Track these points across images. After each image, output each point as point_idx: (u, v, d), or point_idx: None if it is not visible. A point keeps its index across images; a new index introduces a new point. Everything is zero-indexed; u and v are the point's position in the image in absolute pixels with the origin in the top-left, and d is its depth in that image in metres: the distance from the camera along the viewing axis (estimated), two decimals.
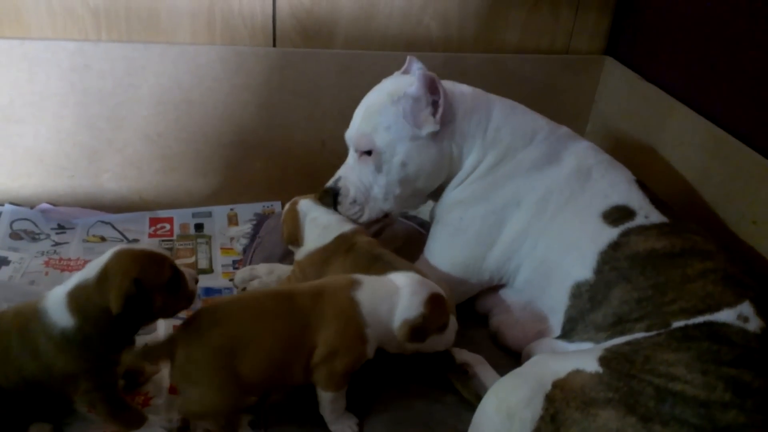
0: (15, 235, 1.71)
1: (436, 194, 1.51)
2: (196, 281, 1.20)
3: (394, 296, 1.17)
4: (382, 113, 1.40)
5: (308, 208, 1.44)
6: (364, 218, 1.45)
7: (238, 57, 1.82)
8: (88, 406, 1.16)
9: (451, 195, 1.47)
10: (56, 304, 1.10)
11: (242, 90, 1.86)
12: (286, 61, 1.85)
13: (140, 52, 1.77)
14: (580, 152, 1.44)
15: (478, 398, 1.18)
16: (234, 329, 1.12)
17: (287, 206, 1.47)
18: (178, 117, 1.85)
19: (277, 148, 1.95)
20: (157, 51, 1.78)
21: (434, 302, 1.17)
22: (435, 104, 1.39)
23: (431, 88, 1.39)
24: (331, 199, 1.45)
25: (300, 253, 1.43)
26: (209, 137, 1.90)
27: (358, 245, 1.35)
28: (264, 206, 1.94)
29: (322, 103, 1.92)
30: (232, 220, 1.90)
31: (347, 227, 1.40)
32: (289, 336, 1.13)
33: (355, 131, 1.45)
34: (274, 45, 1.85)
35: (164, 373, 1.34)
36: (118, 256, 1.11)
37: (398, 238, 1.71)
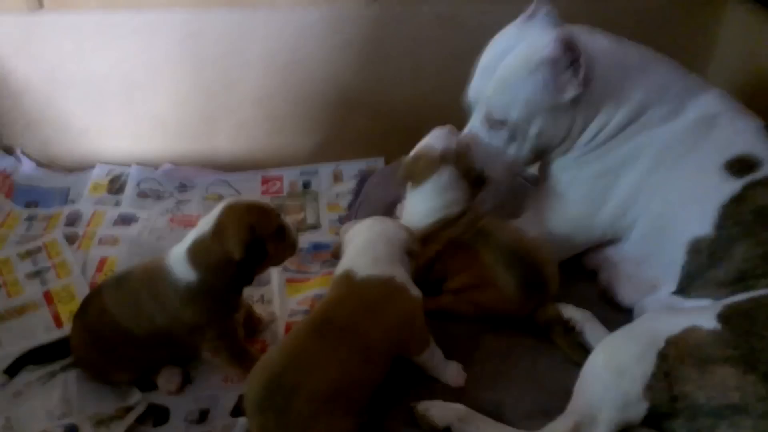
0: (142, 195, 1.85)
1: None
2: (297, 230, 1.28)
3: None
4: (520, 86, 1.30)
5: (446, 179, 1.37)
6: (501, 172, 1.41)
7: (339, 16, 1.83)
8: (213, 353, 1.26)
9: (569, 156, 1.40)
10: (178, 261, 1.19)
11: (343, 49, 1.88)
12: (385, 18, 1.84)
13: (248, 18, 1.82)
14: (708, 100, 1.34)
15: (581, 355, 1.17)
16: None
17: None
18: (284, 79, 1.91)
19: (379, 105, 1.97)
20: (263, 15, 1.82)
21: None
22: (575, 64, 1.28)
23: (570, 47, 1.27)
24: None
25: (404, 218, 1.41)
26: (314, 97, 1.94)
27: (458, 223, 1.34)
28: (368, 163, 1.97)
29: (423, 59, 1.90)
30: (338, 177, 1.95)
31: (454, 210, 1.36)
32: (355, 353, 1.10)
33: (486, 100, 1.36)
34: (374, 1, 1.85)
35: (280, 323, 1.42)
36: (231, 209, 1.18)
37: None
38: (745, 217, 1.19)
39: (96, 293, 1.27)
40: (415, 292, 1.17)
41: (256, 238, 1.15)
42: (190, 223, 1.70)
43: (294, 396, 1.03)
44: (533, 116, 1.33)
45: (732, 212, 1.21)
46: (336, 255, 1.25)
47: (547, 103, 1.31)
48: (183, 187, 1.89)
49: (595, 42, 1.33)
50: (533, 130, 1.34)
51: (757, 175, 1.22)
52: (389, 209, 1.66)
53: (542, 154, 1.43)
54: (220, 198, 1.82)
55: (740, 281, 1.15)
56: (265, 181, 1.93)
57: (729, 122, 1.31)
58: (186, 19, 1.81)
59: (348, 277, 1.16)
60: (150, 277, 1.22)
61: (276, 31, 1.84)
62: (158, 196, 1.85)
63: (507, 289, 1.26)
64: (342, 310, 1.12)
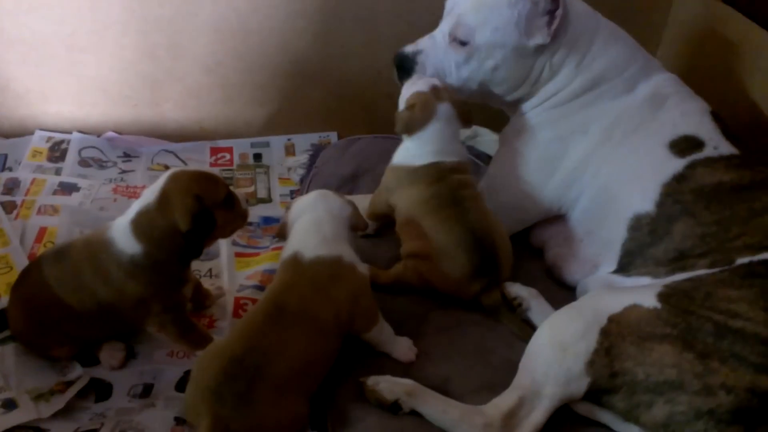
0: (84, 163, 1.78)
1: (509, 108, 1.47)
2: (247, 201, 1.25)
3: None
4: (495, 12, 1.31)
5: (445, 116, 1.33)
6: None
7: None
8: (159, 328, 1.23)
9: (521, 119, 1.42)
10: (122, 233, 1.15)
11: (298, 17, 1.83)
12: None
13: None
14: (660, 82, 1.37)
15: (528, 333, 1.20)
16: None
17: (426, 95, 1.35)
18: (235, 46, 1.86)
19: (333, 78, 1.94)
20: None
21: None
22: (552, 13, 1.31)
23: None
24: (409, 66, 1.40)
25: (397, 156, 1.38)
26: (266, 67, 1.90)
27: (448, 180, 1.31)
28: (320, 137, 1.95)
29: (378, 32, 1.88)
30: (290, 150, 1.92)
31: (451, 159, 1.33)
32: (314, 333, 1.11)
33: (458, 15, 1.35)
34: None
35: (228, 298, 1.40)
36: (176, 178, 1.15)
37: None
38: (686, 197, 1.22)
39: (35, 265, 1.22)
40: (362, 269, 1.17)
41: (203, 208, 1.12)
42: (134, 194, 1.65)
43: (256, 381, 1.01)
44: (495, 48, 1.34)
45: (673, 190, 1.24)
46: (282, 234, 1.23)
47: (513, 41, 1.33)
48: (127, 157, 1.83)
49: (574, 5, 1.36)
50: (489, 63, 1.35)
51: (699, 155, 1.26)
52: (342, 183, 1.65)
53: (488, 97, 1.44)
54: (166, 168, 1.77)
55: (678, 260, 1.19)
56: (214, 152, 1.89)
57: (677, 104, 1.34)
58: None
59: (296, 260, 1.14)
60: (92, 250, 1.18)
61: None
62: (101, 165, 1.79)
63: (456, 270, 1.26)
64: (293, 295, 1.11)
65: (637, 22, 1.87)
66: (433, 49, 1.39)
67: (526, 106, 1.42)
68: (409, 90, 1.36)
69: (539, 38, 1.32)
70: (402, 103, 1.37)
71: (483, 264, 1.26)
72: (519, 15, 1.30)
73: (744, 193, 1.18)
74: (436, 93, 1.33)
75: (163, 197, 1.12)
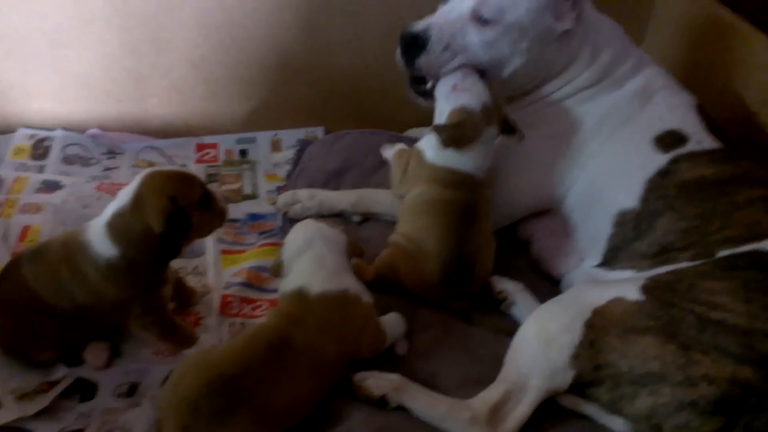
0: (67, 160, 1.77)
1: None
2: (226, 198, 1.24)
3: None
4: None
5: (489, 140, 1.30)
6: (453, 65, 1.32)
7: None
8: (142, 328, 1.22)
9: (518, 114, 1.39)
10: (98, 235, 1.14)
11: (284, 11, 1.82)
12: None
13: None
14: (649, 76, 1.38)
15: (500, 330, 1.23)
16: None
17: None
18: (220, 40, 1.84)
19: (320, 73, 1.93)
20: None
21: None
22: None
23: None
24: (422, 42, 1.30)
25: (425, 144, 1.33)
26: (252, 61, 1.88)
27: (464, 191, 1.28)
28: (307, 132, 1.94)
29: (366, 25, 1.87)
30: (276, 146, 1.91)
31: (475, 172, 1.29)
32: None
33: None
34: None
35: (214, 295, 1.40)
36: (150, 179, 1.13)
37: None
38: (669, 191, 1.23)
39: (14, 265, 1.20)
40: (367, 297, 1.17)
41: (178, 209, 1.10)
42: (118, 191, 1.63)
43: (241, 404, 0.99)
44: (527, 29, 1.31)
45: (657, 186, 1.25)
46: (276, 273, 1.20)
47: (544, 23, 1.31)
48: (111, 153, 1.81)
49: None
50: (521, 44, 1.32)
51: (683, 150, 1.27)
52: (329, 179, 1.64)
53: (494, 84, 1.35)
54: (150, 165, 1.76)
55: (661, 254, 1.19)
56: (199, 148, 1.88)
57: (665, 98, 1.35)
58: None
59: (302, 295, 1.12)
60: (68, 252, 1.16)
61: None
62: (85, 162, 1.77)
63: (426, 274, 1.26)
64: (299, 331, 1.08)
65: (622, 15, 1.88)
66: (448, 25, 1.31)
67: (526, 101, 1.42)
68: (456, 98, 1.28)
69: (567, 23, 1.31)
70: (445, 112, 1.29)
71: (454, 279, 1.26)
72: (549, 2, 1.29)
73: (725, 187, 1.19)
74: (487, 114, 1.27)
75: (138, 198, 1.11)
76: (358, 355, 1.15)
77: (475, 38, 1.31)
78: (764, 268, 1.05)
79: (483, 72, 1.34)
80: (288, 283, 1.16)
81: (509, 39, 1.31)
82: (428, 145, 1.32)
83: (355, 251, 1.22)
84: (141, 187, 1.12)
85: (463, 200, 1.27)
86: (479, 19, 1.31)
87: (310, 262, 1.15)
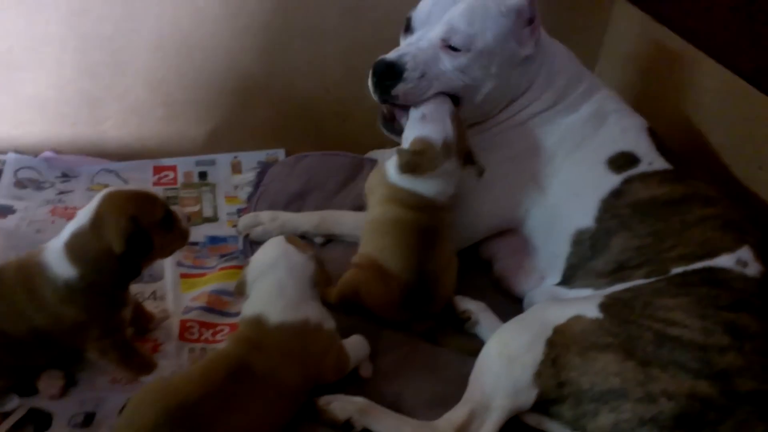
0: (20, 184, 1.71)
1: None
2: (189, 219, 1.22)
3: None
4: (491, 20, 1.32)
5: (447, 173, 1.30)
6: (431, 92, 1.33)
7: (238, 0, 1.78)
8: (99, 354, 1.19)
9: (478, 138, 1.42)
10: (56, 256, 1.11)
11: (243, 33, 1.82)
12: (288, 3, 1.80)
13: None
14: (602, 100, 1.42)
15: (466, 349, 1.24)
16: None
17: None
18: (179, 62, 1.83)
19: (280, 95, 1.93)
20: None
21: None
22: (532, 23, 1.34)
23: (533, 4, 1.32)
24: (399, 69, 1.30)
25: (389, 164, 1.33)
26: (211, 83, 1.87)
27: (427, 214, 1.29)
28: (268, 154, 1.93)
29: (326, 48, 1.88)
30: (236, 168, 1.89)
31: (436, 197, 1.30)
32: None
33: (451, 21, 1.32)
34: None
35: (173, 320, 1.37)
36: (110, 198, 1.11)
37: None
38: (622, 211, 1.27)
39: None
40: (329, 324, 1.16)
41: (138, 229, 1.08)
42: (73, 215, 1.56)
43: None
44: (495, 55, 1.34)
45: (611, 205, 1.29)
46: (240, 291, 1.18)
47: (510, 49, 1.35)
48: (65, 177, 1.76)
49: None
50: (492, 69, 1.35)
51: (635, 171, 1.31)
52: (291, 201, 1.63)
53: (477, 111, 1.40)
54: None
55: (618, 271, 1.22)
56: (157, 170, 1.85)
57: (616, 121, 1.39)
58: None
59: (260, 322, 1.10)
60: (25, 275, 1.13)
61: (170, 10, 1.76)
62: (38, 186, 1.72)
63: (387, 295, 1.26)
64: (259, 358, 1.06)
65: (574, 40, 1.94)
66: (421, 53, 1.33)
67: (489, 124, 1.44)
68: (422, 128, 1.30)
69: (528, 48, 1.36)
70: (409, 138, 1.31)
71: (415, 299, 1.27)
72: (512, 24, 1.33)
73: (677, 206, 1.23)
74: (447, 148, 1.28)
75: (97, 218, 1.09)
76: (321, 380, 1.14)
77: (449, 65, 1.33)
78: (717, 284, 1.09)
79: (458, 99, 1.37)
80: (248, 308, 1.14)
81: (480, 64, 1.34)
82: (392, 165, 1.33)
83: (321, 280, 1.19)
84: (100, 207, 1.10)
85: (423, 222, 1.28)
86: (450, 48, 1.34)
87: (270, 287, 1.13)
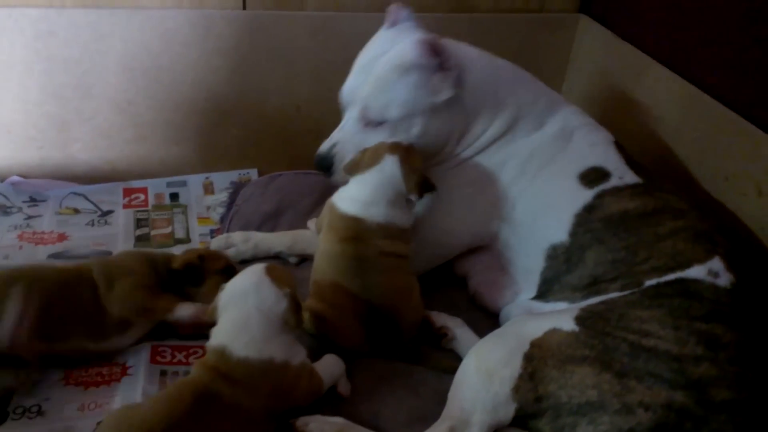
0: None
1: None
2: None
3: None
4: (395, 87, 1.34)
5: (389, 167, 1.29)
6: None
7: (207, 20, 1.78)
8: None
9: (442, 166, 1.44)
10: None
11: (213, 55, 1.82)
12: (256, 24, 1.81)
13: (106, 18, 1.72)
14: (566, 116, 1.44)
15: (441, 366, 1.24)
16: None
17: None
18: (147, 84, 1.82)
19: (252, 114, 1.92)
20: (124, 16, 1.73)
21: None
22: (443, 67, 1.34)
23: (434, 51, 1.32)
24: (328, 164, 1.40)
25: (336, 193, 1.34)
26: (180, 104, 1.86)
27: (364, 243, 1.26)
28: (240, 174, 1.92)
29: (296, 67, 1.88)
30: (208, 188, 1.88)
31: (378, 219, 1.28)
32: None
33: (363, 100, 1.37)
34: (244, 8, 1.80)
35: (144, 343, 1.33)
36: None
37: None
38: (596, 225, 1.28)
39: None
40: (297, 359, 1.12)
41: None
42: (41, 240, 1.57)
43: None
44: (413, 116, 1.36)
45: (584, 220, 1.30)
46: (211, 317, 1.13)
47: (424, 104, 1.35)
48: (33, 201, 1.73)
49: (463, 50, 1.41)
50: (415, 130, 1.37)
51: (606, 185, 1.32)
52: (264, 221, 1.62)
53: (429, 156, 1.42)
54: (75, 212, 1.69)
55: (592, 285, 1.23)
56: (127, 192, 1.82)
57: (584, 136, 1.41)
58: (36, 18, 1.68)
59: (225, 354, 1.07)
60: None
61: (138, 32, 1.76)
62: (5, 211, 1.68)
63: (351, 336, 1.25)
64: (225, 386, 1.04)
65: (540, 59, 1.98)
66: (350, 138, 1.39)
67: (446, 157, 1.44)
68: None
69: (445, 93, 1.35)
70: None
71: (379, 333, 1.25)
72: (417, 81, 1.33)
73: (648, 219, 1.24)
74: (394, 146, 1.30)
75: None
76: (294, 404, 1.12)
77: (377, 138, 1.36)
78: (689, 296, 1.10)
79: None
80: (215, 336, 1.11)
81: (403, 128, 1.36)
82: (340, 192, 1.33)
83: (291, 321, 1.11)
84: None
85: (360, 257, 1.25)
86: (371, 123, 1.37)
87: (236, 320, 1.10)
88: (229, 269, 1.31)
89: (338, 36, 1.83)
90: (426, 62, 1.33)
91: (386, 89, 1.35)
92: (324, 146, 1.42)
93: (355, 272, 1.24)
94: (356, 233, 1.27)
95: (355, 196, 1.29)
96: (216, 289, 1.15)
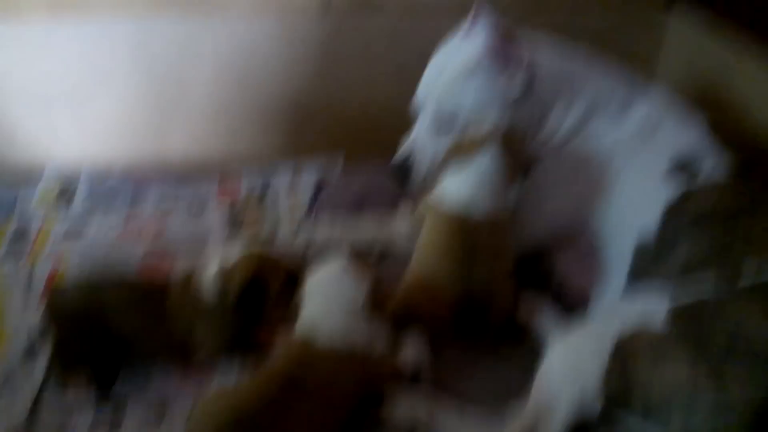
0: (92, 207, 1.77)
1: None
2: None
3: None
4: (463, 90, 1.36)
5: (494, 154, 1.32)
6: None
7: (292, 28, 1.84)
8: None
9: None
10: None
11: (297, 58, 1.89)
12: (338, 29, 1.86)
13: (196, 28, 1.81)
14: (653, 101, 1.40)
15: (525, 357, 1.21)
16: None
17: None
18: (238, 89, 1.91)
19: (335, 113, 1.98)
20: (213, 26, 1.82)
21: None
22: (511, 66, 1.35)
23: (502, 52, 1.33)
24: (404, 174, 1.43)
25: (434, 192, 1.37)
26: (268, 105, 1.95)
27: (471, 236, 1.29)
28: (327, 165, 1.93)
29: (377, 68, 1.93)
30: (296, 175, 1.90)
31: (483, 210, 1.31)
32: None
33: (436, 98, 1.39)
34: (325, 14, 1.84)
35: None
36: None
37: None
38: (688, 215, 1.24)
39: None
40: (380, 345, 1.16)
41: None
42: (142, 236, 1.65)
43: None
44: (484, 117, 1.36)
45: (675, 210, 1.26)
46: (295, 310, 1.19)
47: (494, 104, 1.36)
48: (133, 198, 1.82)
49: (535, 45, 1.41)
50: (490, 119, 1.37)
51: (699, 175, 1.28)
52: (348, 212, 1.64)
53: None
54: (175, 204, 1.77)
55: (685, 274, 1.18)
56: (222, 191, 1.88)
57: (673, 123, 1.37)
58: (134, 29, 1.80)
59: (309, 342, 1.13)
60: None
61: (228, 41, 1.84)
62: (106, 210, 1.77)
63: (440, 310, 1.26)
64: (309, 374, 1.09)
65: (629, 53, 1.92)
66: (421, 146, 1.43)
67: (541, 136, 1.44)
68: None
69: (513, 92, 1.36)
70: None
71: (467, 321, 1.26)
72: (485, 82, 1.35)
73: (744, 212, 1.19)
74: (493, 132, 1.33)
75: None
76: (377, 390, 1.15)
77: (447, 141, 1.38)
78: None
79: None
80: (300, 324, 1.17)
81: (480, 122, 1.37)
82: (439, 190, 1.35)
83: (375, 306, 1.18)
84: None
85: (467, 246, 1.28)
86: (443, 128, 1.40)
87: (317, 309, 1.16)
88: (291, 279, 1.24)
89: (414, 38, 1.84)
90: (492, 63, 1.34)
91: (456, 91, 1.36)
92: (399, 156, 1.44)
93: (461, 265, 1.26)
94: (462, 226, 1.29)
95: (459, 190, 1.31)
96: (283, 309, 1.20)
